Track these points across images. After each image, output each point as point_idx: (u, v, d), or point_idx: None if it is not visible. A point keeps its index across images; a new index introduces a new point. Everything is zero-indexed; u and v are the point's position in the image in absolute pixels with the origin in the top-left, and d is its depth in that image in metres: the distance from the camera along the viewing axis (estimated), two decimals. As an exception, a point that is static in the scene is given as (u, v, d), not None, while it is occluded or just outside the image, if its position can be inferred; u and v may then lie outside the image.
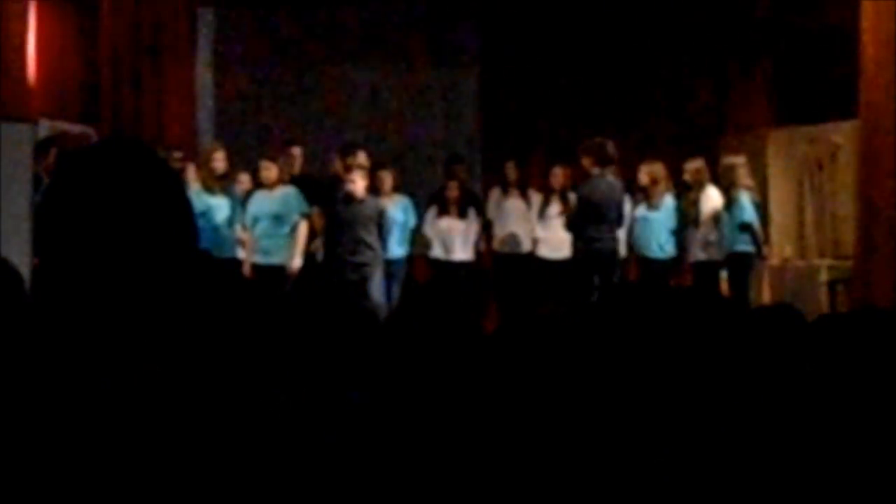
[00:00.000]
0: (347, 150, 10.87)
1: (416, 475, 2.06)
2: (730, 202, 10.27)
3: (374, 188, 10.85)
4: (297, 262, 10.29)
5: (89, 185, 1.70)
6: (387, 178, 11.04)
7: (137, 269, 1.69)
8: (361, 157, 10.81)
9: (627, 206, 10.59)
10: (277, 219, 10.34)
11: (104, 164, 1.73)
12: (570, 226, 10.36)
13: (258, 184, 10.58)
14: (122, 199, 1.70)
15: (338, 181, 10.56)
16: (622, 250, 10.70)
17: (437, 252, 11.32)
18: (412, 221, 11.09)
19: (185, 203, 1.78)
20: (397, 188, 11.12)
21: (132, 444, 1.61)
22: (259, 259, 10.37)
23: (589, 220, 10.01)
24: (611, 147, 10.10)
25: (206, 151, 10.78)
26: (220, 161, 10.37)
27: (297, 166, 11.04)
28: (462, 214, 11.27)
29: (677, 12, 13.04)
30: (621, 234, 10.54)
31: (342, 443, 1.87)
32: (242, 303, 2.67)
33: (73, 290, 1.69)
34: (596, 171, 10.04)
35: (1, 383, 1.68)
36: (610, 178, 10.14)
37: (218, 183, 10.21)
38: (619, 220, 10.24)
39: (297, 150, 11.14)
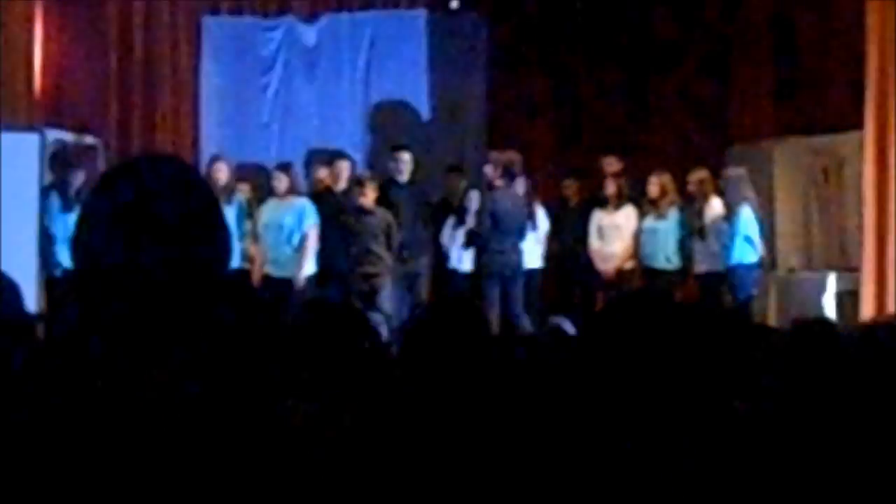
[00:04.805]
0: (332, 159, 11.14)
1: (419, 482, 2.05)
2: (731, 214, 10.26)
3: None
4: (303, 274, 10.23)
5: (133, 198, 1.72)
6: None
7: (177, 282, 1.71)
8: (343, 166, 10.97)
9: (544, 221, 10.78)
10: (284, 229, 10.33)
11: (147, 179, 1.75)
12: (473, 238, 10.47)
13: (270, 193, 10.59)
14: (164, 213, 1.72)
15: (347, 193, 10.62)
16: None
17: (452, 262, 11.25)
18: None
19: (223, 220, 1.81)
20: None
21: (150, 449, 1.62)
22: (269, 270, 10.36)
23: (492, 231, 10.13)
24: (517, 162, 10.36)
25: (208, 163, 10.79)
26: (222, 172, 10.40)
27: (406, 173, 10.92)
28: None
29: (682, 23, 13.04)
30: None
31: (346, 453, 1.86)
32: (253, 315, 2.67)
33: (109, 300, 1.70)
34: (500, 183, 10.23)
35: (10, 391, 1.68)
36: (514, 191, 10.36)
37: (221, 194, 10.20)
38: (521, 233, 10.37)
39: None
